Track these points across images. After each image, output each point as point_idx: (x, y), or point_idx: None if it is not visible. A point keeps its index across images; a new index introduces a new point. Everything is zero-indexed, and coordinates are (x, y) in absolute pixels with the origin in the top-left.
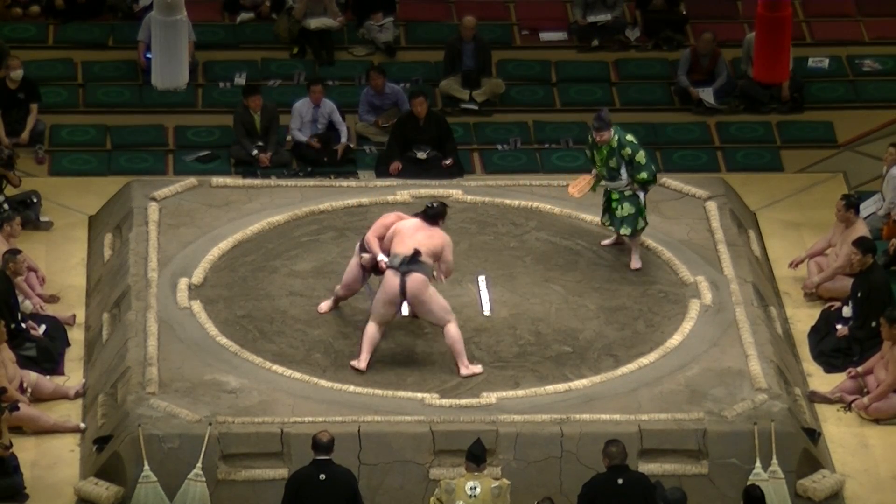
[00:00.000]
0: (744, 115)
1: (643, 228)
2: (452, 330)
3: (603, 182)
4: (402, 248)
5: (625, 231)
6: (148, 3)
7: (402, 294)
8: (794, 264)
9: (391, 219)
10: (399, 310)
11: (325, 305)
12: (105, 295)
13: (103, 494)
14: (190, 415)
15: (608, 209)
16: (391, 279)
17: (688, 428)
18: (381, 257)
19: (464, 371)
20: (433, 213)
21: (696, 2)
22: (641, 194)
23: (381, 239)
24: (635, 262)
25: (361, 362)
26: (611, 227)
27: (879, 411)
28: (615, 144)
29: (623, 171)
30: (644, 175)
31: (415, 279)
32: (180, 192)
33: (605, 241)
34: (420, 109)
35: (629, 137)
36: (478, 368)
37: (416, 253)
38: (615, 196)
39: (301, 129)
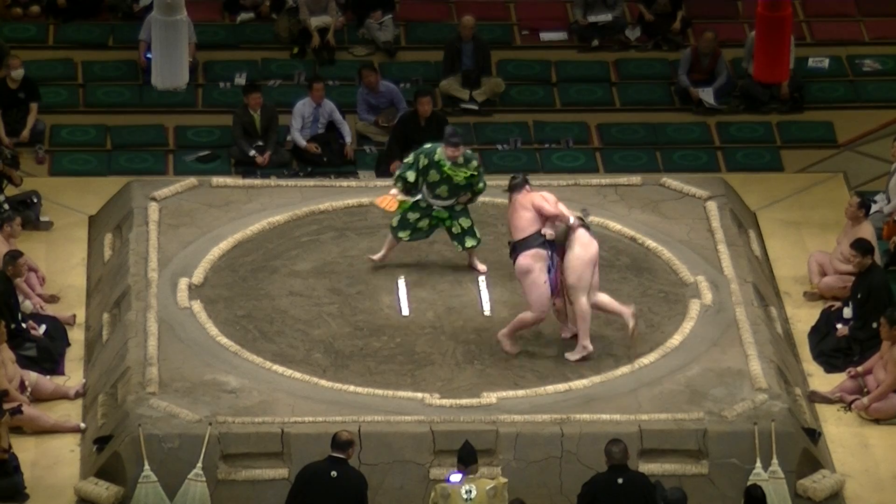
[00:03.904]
0: (744, 115)
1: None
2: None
3: (420, 197)
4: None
5: (471, 243)
6: (148, 2)
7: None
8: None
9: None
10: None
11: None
12: (105, 295)
13: (103, 494)
14: (190, 415)
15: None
16: (588, 239)
17: (688, 428)
18: (572, 220)
19: (630, 321)
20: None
21: (696, 2)
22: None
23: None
24: (482, 266)
25: (588, 343)
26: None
27: (879, 411)
28: (461, 161)
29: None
30: (482, 185)
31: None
32: (180, 192)
33: (375, 256)
34: (426, 108)
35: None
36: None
37: (585, 211)
38: (443, 216)
39: (301, 130)
